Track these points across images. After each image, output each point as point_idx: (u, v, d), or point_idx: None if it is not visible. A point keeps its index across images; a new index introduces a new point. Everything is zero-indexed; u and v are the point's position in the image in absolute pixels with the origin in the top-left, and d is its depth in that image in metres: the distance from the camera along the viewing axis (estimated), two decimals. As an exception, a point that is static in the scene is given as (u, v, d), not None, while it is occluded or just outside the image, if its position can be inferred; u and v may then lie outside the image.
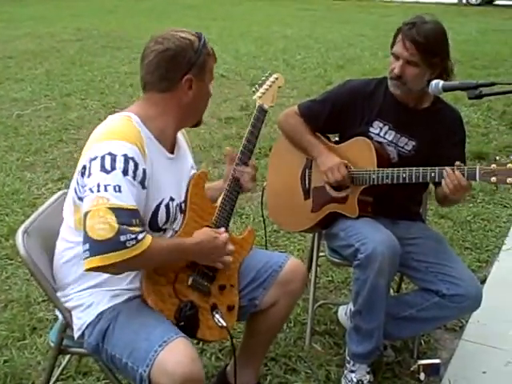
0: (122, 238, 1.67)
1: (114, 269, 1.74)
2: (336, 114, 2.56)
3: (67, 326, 1.97)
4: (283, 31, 12.23)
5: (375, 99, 2.52)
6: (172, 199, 1.95)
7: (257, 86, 2.27)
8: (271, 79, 2.29)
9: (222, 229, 2.02)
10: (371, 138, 2.49)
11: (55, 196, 2.21)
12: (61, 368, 2.40)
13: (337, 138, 2.68)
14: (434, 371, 2.59)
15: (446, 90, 2.16)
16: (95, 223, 1.68)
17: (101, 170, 1.73)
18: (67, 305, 1.96)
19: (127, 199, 1.72)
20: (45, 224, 2.05)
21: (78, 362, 2.56)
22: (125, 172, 1.73)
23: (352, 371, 2.48)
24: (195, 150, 4.90)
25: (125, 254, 1.67)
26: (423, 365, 2.59)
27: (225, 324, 1.98)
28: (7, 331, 2.82)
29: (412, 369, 2.61)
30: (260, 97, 2.23)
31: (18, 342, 2.76)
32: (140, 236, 1.70)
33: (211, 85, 1.99)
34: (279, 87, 2.31)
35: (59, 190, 1.95)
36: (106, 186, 1.71)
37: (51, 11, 15.32)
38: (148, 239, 1.72)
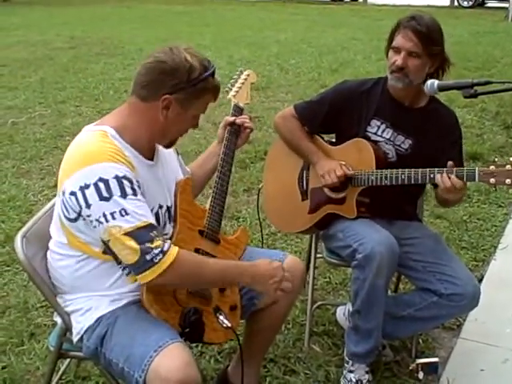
0: (148, 257, 1.70)
1: (163, 283, 1.77)
2: (333, 114, 2.57)
3: (67, 329, 1.97)
4: (276, 36, 12.27)
5: (372, 98, 2.53)
6: (160, 206, 1.95)
7: (229, 84, 2.23)
8: (243, 76, 2.26)
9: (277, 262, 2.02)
10: (369, 137, 2.50)
11: (52, 202, 2.19)
12: (60, 373, 2.39)
13: (333, 140, 2.69)
14: (433, 370, 2.60)
15: (441, 89, 2.16)
16: (120, 250, 1.74)
17: (100, 200, 1.72)
18: (66, 309, 1.96)
19: (136, 219, 1.73)
20: (43, 229, 2.04)
21: (76, 367, 2.55)
22: (123, 194, 1.73)
23: (351, 371, 2.48)
24: (190, 154, 4.90)
25: (157, 269, 1.71)
26: (422, 364, 2.60)
27: (229, 324, 1.98)
28: (5, 337, 2.81)
29: (411, 368, 2.62)
30: (234, 95, 2.20)
31: (17, 347, 2.75)
32: (165, 247, 1.73)
33: (198, 118, 1.94)
34: (252, 83, 2.28)
35: (55, 196, 1.95)
36: (112, 214, 1.72)
37: (43, 19, 15.33)
38: (174, 248, 1.74)
